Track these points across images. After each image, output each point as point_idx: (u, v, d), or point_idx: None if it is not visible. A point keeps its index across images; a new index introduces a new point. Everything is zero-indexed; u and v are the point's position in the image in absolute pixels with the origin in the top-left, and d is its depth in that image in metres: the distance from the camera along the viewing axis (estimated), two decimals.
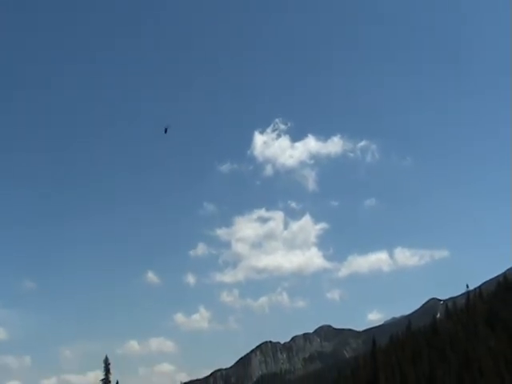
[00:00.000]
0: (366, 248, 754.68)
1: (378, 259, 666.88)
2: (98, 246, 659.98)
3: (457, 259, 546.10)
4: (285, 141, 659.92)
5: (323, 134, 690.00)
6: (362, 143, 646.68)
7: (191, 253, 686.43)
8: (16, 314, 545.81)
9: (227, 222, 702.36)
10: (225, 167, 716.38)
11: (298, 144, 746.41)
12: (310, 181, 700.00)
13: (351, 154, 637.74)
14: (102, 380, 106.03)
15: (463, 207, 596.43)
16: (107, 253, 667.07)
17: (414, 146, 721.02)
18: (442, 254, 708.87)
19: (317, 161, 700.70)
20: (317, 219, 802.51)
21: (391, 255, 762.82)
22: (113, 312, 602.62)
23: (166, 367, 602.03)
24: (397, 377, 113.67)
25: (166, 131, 64.20)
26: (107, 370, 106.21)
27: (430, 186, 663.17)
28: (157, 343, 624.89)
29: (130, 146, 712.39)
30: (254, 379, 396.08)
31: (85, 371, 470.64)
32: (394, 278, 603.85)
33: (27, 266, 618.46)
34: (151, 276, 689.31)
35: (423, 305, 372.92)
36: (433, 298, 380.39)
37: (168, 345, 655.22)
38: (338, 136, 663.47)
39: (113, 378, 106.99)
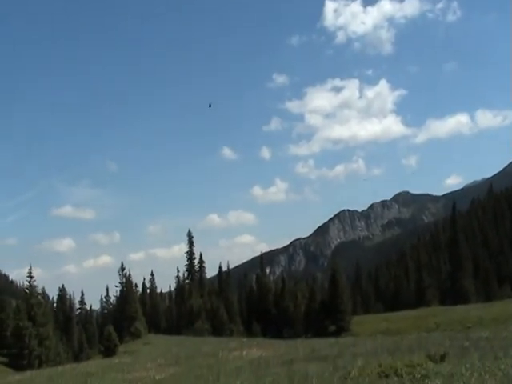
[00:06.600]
0: (445, 112, 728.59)
1: (457, 122, 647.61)
2: (174, 124, 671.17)
3: None
4: (357, 6, 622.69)
5: None
6: (441, 3, 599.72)
7: (264, 128, 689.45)
8: (102, 194, 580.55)
9: (299, 94, 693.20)
10: (294, 39, 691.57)
11: (371, 8, 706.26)
12: (386, 46, 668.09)
13: (430, 15, 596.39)
14: (187, 252, 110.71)
15: None
16: (183, 129, 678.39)
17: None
18: None
19: (392, 24, 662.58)
20: (394, 85, 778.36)
21: (472, 118, 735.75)
22: (192, 188, 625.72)
23: (247, 238, 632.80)
24: (478, 239, 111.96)
25: (210, 106, 69.20)
26: (191, 243, 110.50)
27: None
28: (236, 216, 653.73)
29: (200, 19, 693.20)
30: (333, 247, 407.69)
31: (170, 245, 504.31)
32: (474, 140, 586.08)
33: (110, 148, 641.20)
34: (227, 151, 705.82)
35: (506, 167, 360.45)
36: None
37: (247, 217, 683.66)
38: None
39: (196, 250, 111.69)
